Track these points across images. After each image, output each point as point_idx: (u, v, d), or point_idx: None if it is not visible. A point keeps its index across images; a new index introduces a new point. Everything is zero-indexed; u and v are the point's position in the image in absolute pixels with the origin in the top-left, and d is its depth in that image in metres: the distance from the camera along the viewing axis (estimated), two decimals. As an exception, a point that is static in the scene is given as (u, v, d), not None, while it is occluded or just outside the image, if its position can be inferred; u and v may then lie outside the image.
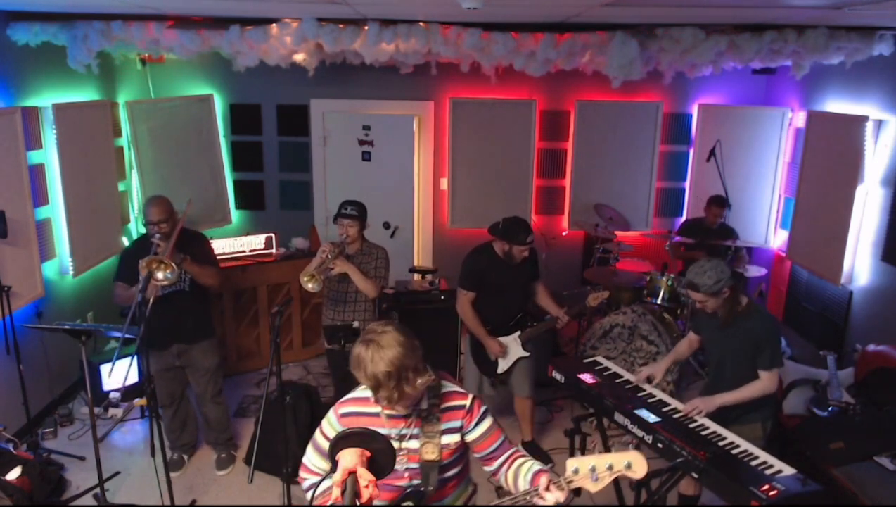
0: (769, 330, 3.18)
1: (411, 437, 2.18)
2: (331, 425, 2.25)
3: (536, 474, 2.12)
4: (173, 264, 3.45)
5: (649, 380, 3.50)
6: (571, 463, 1.99)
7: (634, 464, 1.97)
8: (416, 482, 2.21)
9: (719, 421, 3.12)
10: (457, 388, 2.26)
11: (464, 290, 4.12)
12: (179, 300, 3.91)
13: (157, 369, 4.03)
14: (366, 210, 4.10)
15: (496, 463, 2.27)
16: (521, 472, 2.18)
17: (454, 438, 2.21)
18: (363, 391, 2.22)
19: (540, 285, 4.27)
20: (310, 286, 3.83)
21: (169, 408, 4.16)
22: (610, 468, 1.97)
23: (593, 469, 1.97)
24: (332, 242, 4.00)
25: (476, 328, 4.12)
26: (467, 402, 2.22)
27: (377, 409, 2.19)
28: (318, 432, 2.29)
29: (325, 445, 2.22)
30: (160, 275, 3.43)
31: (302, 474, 2.34)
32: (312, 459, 2.30)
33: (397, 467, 2.16)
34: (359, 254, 4.09)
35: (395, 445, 2.12)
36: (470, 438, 2.23)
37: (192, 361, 4.06)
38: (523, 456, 2.26)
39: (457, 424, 2.21)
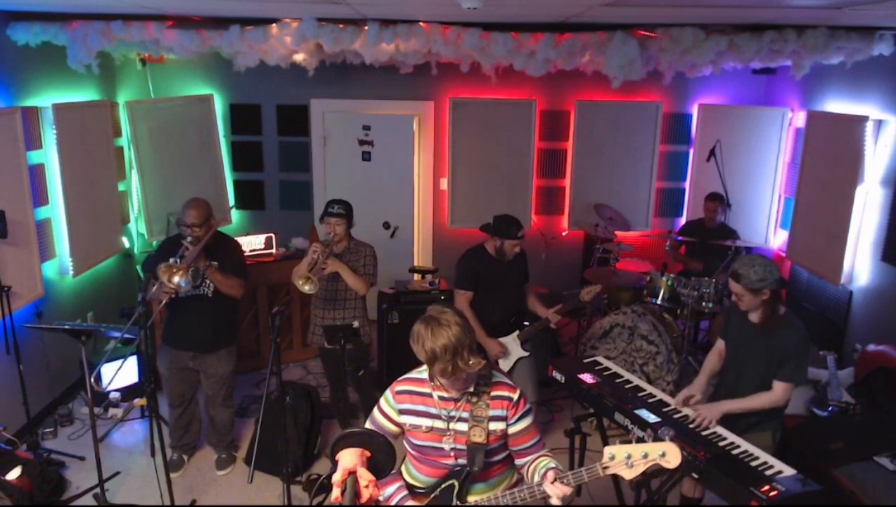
0: (801, 344, 3.05)
1: (459, 419, 2.32)
2: (388, 401, 2.41)
3: (549, 469, 2.24)
4: (189, 273, 3.47)
5: (686, 401, 3.26)
6: (608, 450, 2.10)
7: (669, 454, 2.06)
8: (461, 461, 2.34)
9: (728, 429, 3.05)
10: (507, 380, 2.41)
11: (461, 290, 4.12)
12: (200, 306, 3.88)
13: (171, 367, 4.02)
14: (352, 208, 4.10)
15: (525, 459, 2.40)
16: (538, 467, 2.32)
17: (500, 425, 2.34)
18: (419, 373, 2.41)
19: (528, 288, 4.28)
20: (307, 288, 3.82)
21: (177, 408, 4.15)
22: (645, 456, 2.07)
23: (629, 457, 2.07)
24: (320, 242, 4.00)
25: (475, 329, 4.11)
26: (515, 396, 2.36)
27: (430, 390, 2.35)
28: (376, 409, 2.44)
29: (382, 420, 2.42)
30: (176, 279, 3.45)
31: None
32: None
33: (444, 446, 2.33)
34: (346, 252, 4.10)
35: (444, 425, 2.30)
36: (510, 430, 2.36)
37: (206, 366, 4.04)
38: (547, 456, 2.38)
39: (503, 413, 2.33)
